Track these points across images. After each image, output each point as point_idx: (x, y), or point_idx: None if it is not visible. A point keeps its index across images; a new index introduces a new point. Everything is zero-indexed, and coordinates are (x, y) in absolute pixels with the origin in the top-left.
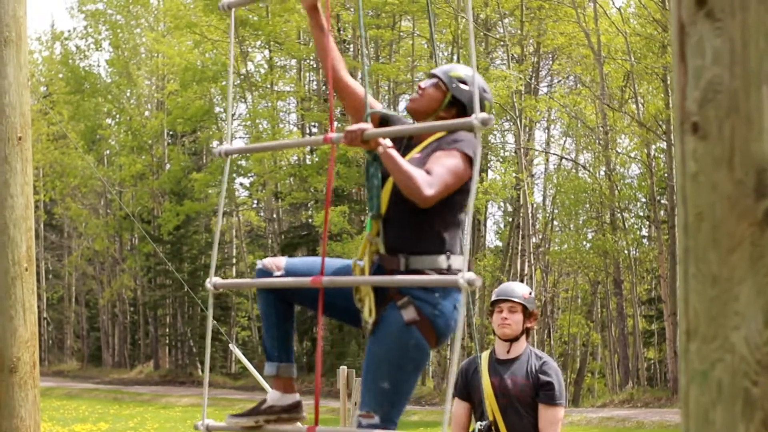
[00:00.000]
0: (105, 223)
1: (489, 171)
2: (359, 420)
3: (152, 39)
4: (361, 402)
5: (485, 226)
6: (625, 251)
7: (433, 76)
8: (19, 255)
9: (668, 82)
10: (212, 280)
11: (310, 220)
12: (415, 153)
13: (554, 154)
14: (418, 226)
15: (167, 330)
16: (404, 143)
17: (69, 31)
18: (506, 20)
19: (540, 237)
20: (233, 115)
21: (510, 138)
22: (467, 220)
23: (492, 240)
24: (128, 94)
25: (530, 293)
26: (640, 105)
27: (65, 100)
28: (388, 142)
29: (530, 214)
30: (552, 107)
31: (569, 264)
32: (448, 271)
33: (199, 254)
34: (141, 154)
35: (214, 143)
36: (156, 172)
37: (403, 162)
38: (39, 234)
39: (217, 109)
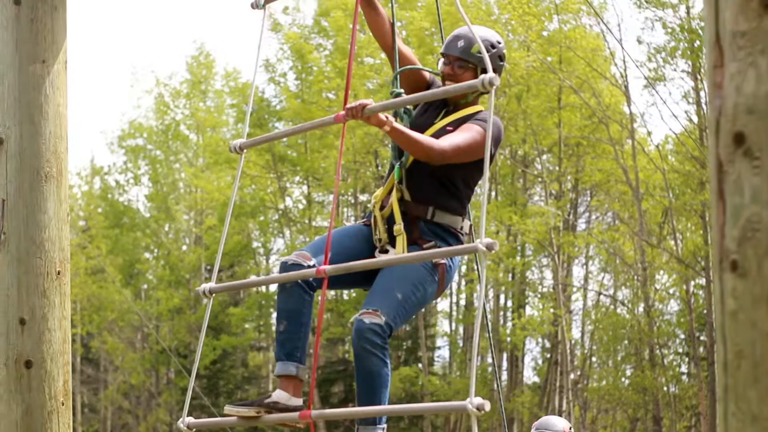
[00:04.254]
0: (141, 357)
1: (527, 307)
2: (361, 318)
3: (191, 174)
4: (366, 303)
5: (523, 362)
6: (664, 388)
7: (458, 59)
8: (56, 389)
9: (707, 219)
10: (209, 286)
11: (346, 355)
12: (447, 121)
13: (592, 290)
14: (443, 183)
15: None
16: (439, 113)
17: (109, 166)
18: (544, 157)
19: (578, 373)
20: (271, 249)
21: (548, 274)
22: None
23: (530, 376)
24: (166, 229)
25: (570, 428)
26: (678, 241)
27: (104, 235)
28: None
29: (568, 350)
30: (590, 243)
31: (608, 400)
32: (461, 231)
33: (235, 389)
34: (178, 288)
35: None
36: (193, 307)
37: (409, 131)
38: (75, 368)
39: (255, 244)
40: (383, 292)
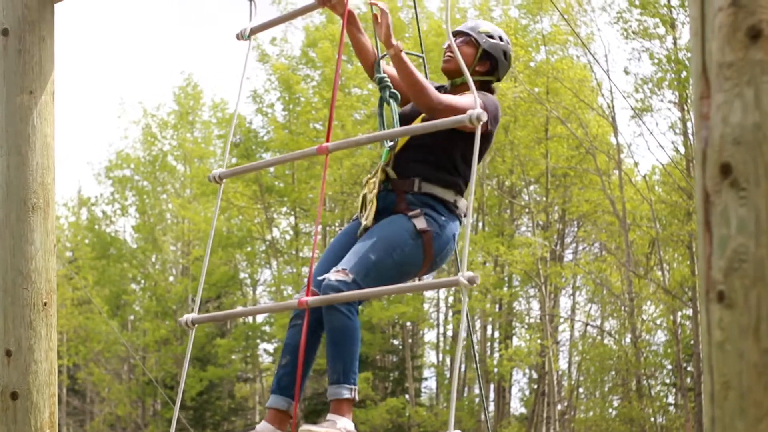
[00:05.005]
0: (128, 389)
1: (514, 338)
2: (329, 276)
3: (178, 205)
4: (339, 264)
5: (510, 393)
6: (652, 419)
7: (462, 33)
8: (42, 421)
9: (694, 250)
10: (191, 317)
11: None
12: None
13: (579, 321)
14: (432, 156)
15: None
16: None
17: (96, 196)
18: (531, 187)
19: (565, 404)
20: (258, 280)
21: (535, 305)
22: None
23: (517, 407)
24: (153, 260)
25: None
26: (665, 272)
27: (90, 265)
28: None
29: (555, 381)
30: (577, 274)
31: (595, 431)
32: (454, 205)
33: (222, 420)
34: (165, 319)
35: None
36: (180, 338)
37: (416, 71)
38: (62, 399)
39: (242, 275)
40: (356, 253)
